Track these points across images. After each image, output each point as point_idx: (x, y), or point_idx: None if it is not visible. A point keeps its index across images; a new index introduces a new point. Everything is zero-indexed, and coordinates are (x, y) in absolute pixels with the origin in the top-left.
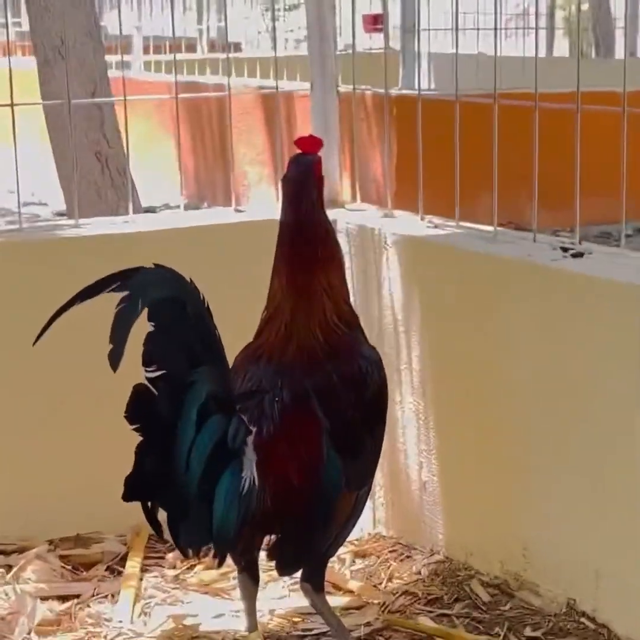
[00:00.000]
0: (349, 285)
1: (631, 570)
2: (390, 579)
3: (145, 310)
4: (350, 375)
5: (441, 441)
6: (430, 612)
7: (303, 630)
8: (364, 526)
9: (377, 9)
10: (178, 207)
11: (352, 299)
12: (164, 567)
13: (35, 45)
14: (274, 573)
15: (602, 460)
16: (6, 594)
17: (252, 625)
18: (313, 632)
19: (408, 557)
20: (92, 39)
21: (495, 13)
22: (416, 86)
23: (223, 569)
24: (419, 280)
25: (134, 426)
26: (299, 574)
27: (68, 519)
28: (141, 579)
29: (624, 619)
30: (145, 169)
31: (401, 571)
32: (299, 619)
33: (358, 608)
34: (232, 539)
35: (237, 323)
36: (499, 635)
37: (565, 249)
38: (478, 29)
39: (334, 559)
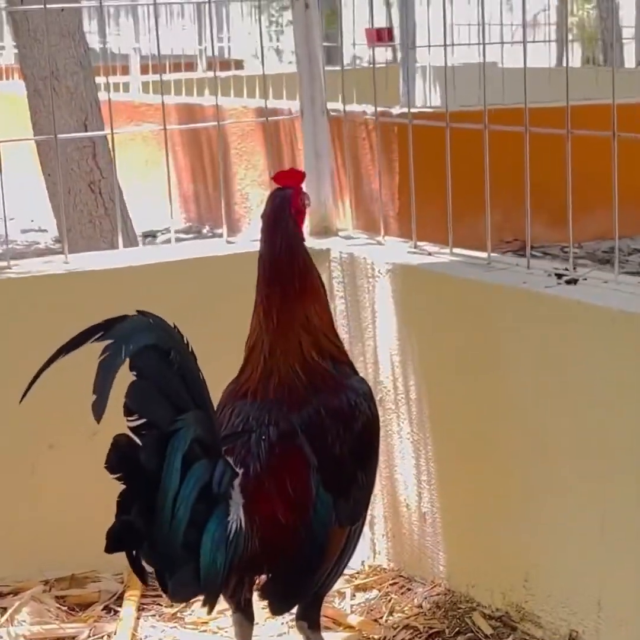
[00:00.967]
0: (343, 315)
1: (633, 601)
2: (391, 613)
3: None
4: (338, 408)
5: (441, 472)
6: None
7: None
8: (364, 558)
9: (381, 23)
10: (178, 231)
11: (345, 329)
12: (161, 605)
13: (25, 75)
14: None
15: (603, 490)
16: (0, 638)
17: None
18: None
19: (409, 589)
20: (82, 68)
21: (501, 25)
22: (417, 103)
23: (220, 606)
24: (413, 309)
25: (115, 476)
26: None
27: (63, 559)
28: (138, 618)
29: None
30: (145, 192)
31: (402, 604)
32: None
33: None
34: (220, 585)
35: (233, 356)
36: None
37: (559, 276)
38: (483, 44)
39: (333, 593)
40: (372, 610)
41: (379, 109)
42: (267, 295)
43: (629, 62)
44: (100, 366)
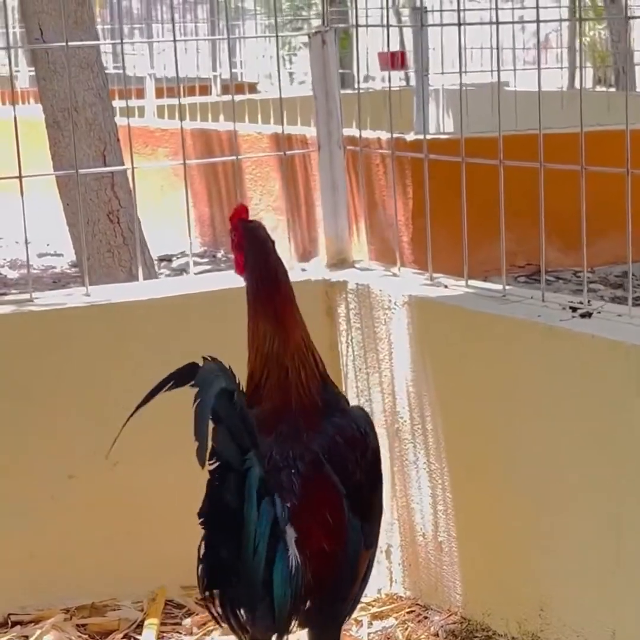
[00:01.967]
0: (360, 346)
1: None
2: None
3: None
4: (352, 436)
5: (457, 501)
6: None
7: None
8: (381, 587)
9: (394, 45)
10: (194, 255)
11: (361, 360)
12: (181, 633)
13: (44, 106)
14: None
15: (619, 520)
16: None
17: None
18: None
19: (425, 617)
20: (101, 99)
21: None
22: (431, 129)
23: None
24: (429, 341)
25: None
26: None
27: (84, 587)
28: None
29: None
30: (162, 216)
31: (419, 632)
32: None
33: None
34: (289, 619)
35: None
36: None
37: (574, 309)
38: (499, 70)
39: (350, 620)
40: (388, 638)
41: (391, 136)
42: (254, 333)
43: None
44: (196, 413)
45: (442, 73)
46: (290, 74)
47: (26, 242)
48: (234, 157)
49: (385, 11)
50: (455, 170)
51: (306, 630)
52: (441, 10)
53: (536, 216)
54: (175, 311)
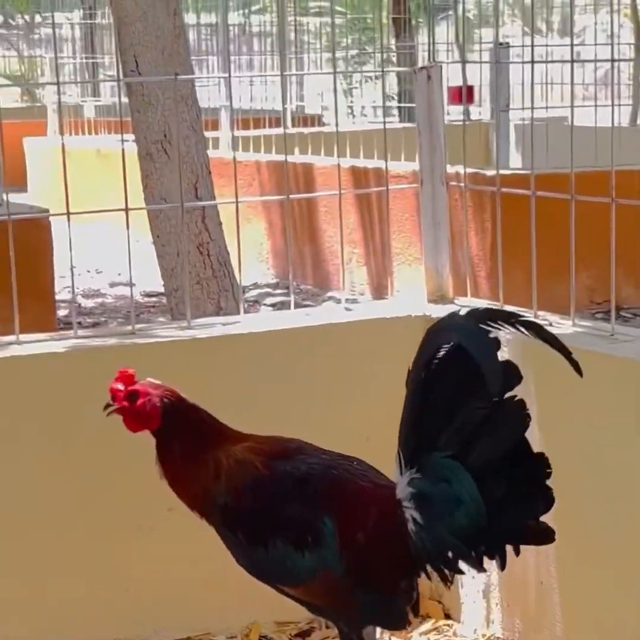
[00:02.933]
0: None
1: None
2: None
3: None
4: None
5: (557, 539)
6: None
7: None
8: (477, 627)
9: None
10: (266, 285)
11: None
12: None
13: (137, 139)
14: None
15: None
16: None
17: None
18: None
19: None
20: (194, 132)
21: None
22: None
23: None
24: (535, 380)
25: None
26: None
27: (179, 620)
28: None
29: None
30: (234, 248)
31: None
32: None
33: None
34: None
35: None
36: None
37: None
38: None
39: None
40: None
41: (470, 170)
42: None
43: None
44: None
45: (513, 108)
46: (350, 107)
47: (130, 273)
48: (337, 192)
49: (453, 46)
50: (537, 205)
51: None
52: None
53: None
54: (278, 344)
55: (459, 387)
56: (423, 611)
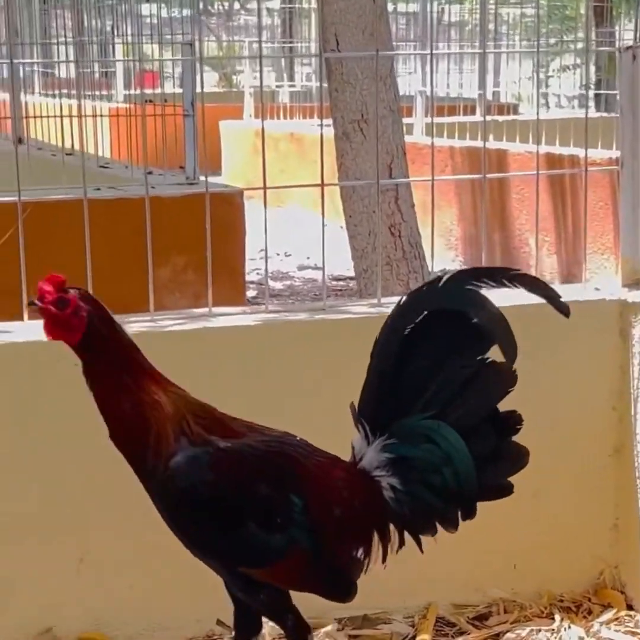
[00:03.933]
0: None
1: None
2: None
3: None
4: None
5: None
6: None
7: None
8: None
9: None
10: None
11: None
12: None
13: (334, 118)
14: None
15: None
16: None
17: None
18: None
19: None
20: (391, 112)
21: None
22: None
23: None
24: None
25: None
26: None
27: (356, 599)
28: None
29: None
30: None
31: None
32: None
33: None
34: None
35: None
36: None
37: None
38: None
39: None
40: None
41: None
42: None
43: None
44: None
45: None
46: (545, 96)
47: (323, 246)
48: (534, 173)
49: None
50: None
51: None
52: None
53: None
54: None
55: (440, 349)
56: (604, 600)
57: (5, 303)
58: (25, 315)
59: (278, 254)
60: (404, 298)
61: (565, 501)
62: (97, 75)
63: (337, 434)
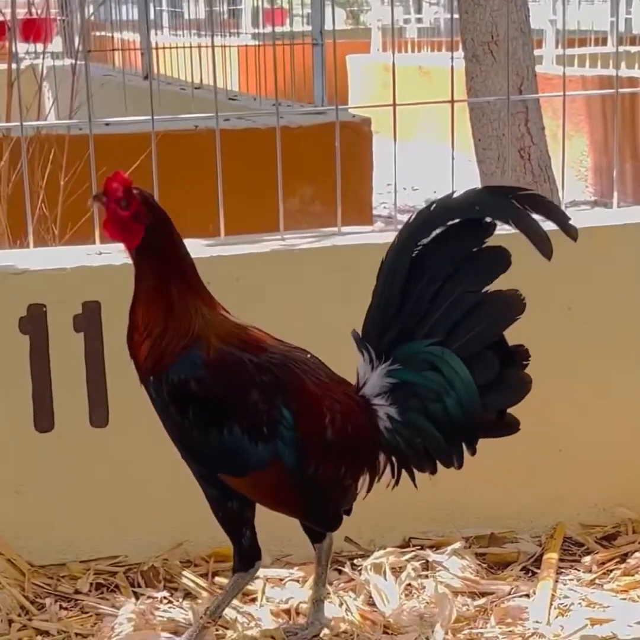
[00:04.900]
0: None
1: None
2: None
3: None
4: None
5: None
6: None
7: None
8: None
9: None
10: (583, 203)
11: None
12: (579, 570)
13: (464, 41)
14: None
15: None
16: (424, 588)
17: None
18: None
19: None
20: (522, 33)
21: None
22: None
23: None
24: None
25: None
26: None
27: (483, 518)
28: (556, 582)
29: None
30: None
31: None
32: None
33: None
34: None
35: None
36: None
37: None
38: None
39: None
40: None
41: None
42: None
43: None
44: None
45: None
46: None
47: (453, 157)
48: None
49: None
50: None
51: None
52: None
53: None
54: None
55: (448, 272)
56: None
57: None
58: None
59: (405, 188)
60: (412, 216)
61: None
62: (225, 15)
63: None
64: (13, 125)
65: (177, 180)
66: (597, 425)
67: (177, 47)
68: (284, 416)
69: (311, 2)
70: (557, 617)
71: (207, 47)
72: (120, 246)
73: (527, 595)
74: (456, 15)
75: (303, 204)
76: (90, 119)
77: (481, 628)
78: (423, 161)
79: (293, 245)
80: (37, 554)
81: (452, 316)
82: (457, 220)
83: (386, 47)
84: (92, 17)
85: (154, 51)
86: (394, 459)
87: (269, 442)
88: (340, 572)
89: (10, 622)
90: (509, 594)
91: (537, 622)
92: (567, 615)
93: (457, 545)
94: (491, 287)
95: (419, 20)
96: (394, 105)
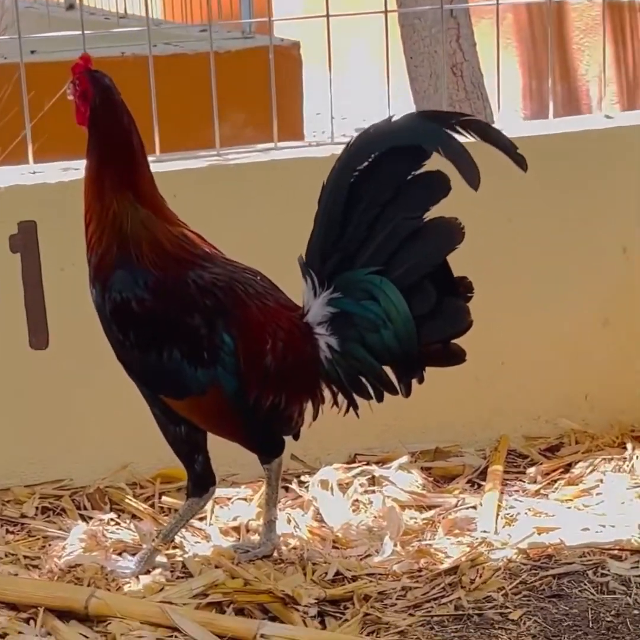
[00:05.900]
0: None
1: None
2: None
3: None
4: None
5: None
6: None
7: None
8: None
9: None
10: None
11: None
12: (524, 481)
13: None
14: None
15: None
16: (371, 502)
17: None
18: None
19: None
20: None
21: None
22: None
23: (586, 485)
24: None
25: None
26: None
27: (427, 433)
28: (502, 493)
29: None
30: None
31: None
32: None
33: None
34: None
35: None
36: None
37: None
38: None
39: None
40: None
41: None
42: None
43: None
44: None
45: None
46: None
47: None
48: None
49: None
50: None
51: None
52: None
53: None
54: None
55: (388, 196)
56: None
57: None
58: None
59: (334, 118)
60: (352, 140)
61: (636, 330)
62: None
63: None
64: None
65: None
66: (539, 337)
67: None
68: (225, 342)
69: None
70: (504, 526)
71: None
72: (55, 165)
73: (474, 507)
74: None
75: (235, 129)
76: (21, 48)
77: (430, 540)
78: (354, 91)
79: (230, 160)
80: None
81: (391, 244)
82: (394, 145)
83: None
84: None
85: None
86: (334, 388)
87: (208, 368)
88: (287, 489)
89: None
90: (456, 506)
91: (484, 531)
92: (513, 525)
93: (403, 460)
94: (434, 212)
95: None
96: (328, 16)
